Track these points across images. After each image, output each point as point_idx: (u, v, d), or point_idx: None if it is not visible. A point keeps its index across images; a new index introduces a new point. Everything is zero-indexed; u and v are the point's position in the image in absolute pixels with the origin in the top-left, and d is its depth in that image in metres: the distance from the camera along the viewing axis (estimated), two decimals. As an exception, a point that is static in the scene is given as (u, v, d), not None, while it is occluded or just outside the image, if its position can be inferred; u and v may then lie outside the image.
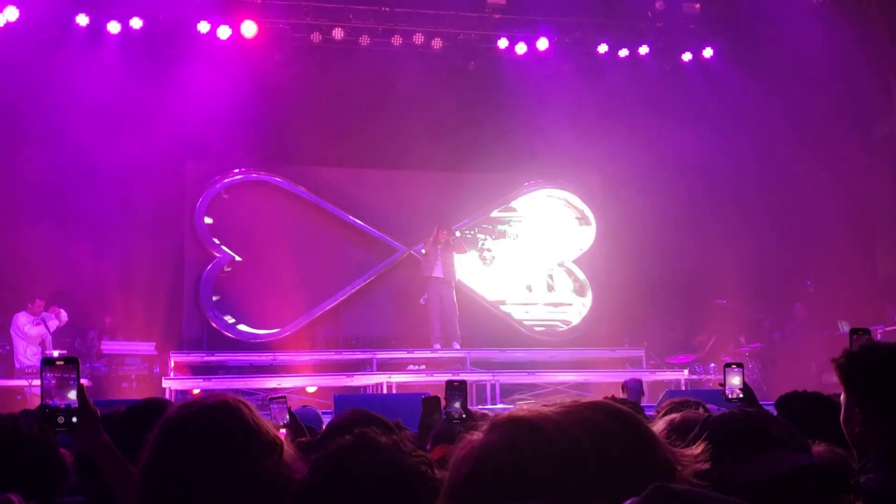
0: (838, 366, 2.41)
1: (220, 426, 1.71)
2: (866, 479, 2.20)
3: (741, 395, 3.61)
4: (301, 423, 3.97)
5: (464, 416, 3.44)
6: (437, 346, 12.06)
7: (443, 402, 4.01)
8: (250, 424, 1.73)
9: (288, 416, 3.83)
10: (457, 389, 3.51)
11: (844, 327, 12.89)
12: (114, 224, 11.84)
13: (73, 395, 2.25)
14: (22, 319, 10.98)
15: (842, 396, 2.45)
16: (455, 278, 12.47)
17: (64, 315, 11.16)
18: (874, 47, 12.67)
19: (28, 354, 10.79)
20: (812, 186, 13.06)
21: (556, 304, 14.07)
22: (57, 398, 2.25)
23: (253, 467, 1.69)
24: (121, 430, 2.49)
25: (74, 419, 2.24)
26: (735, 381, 3.66)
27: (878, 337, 11.94)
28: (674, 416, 2.37)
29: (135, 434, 2.01)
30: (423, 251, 12.54)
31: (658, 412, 3.38)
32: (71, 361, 2.28)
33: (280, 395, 4.08)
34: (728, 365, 3.73)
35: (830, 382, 11.64)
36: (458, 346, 12.11)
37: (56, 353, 9.95)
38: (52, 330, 11.03)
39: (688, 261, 12.92)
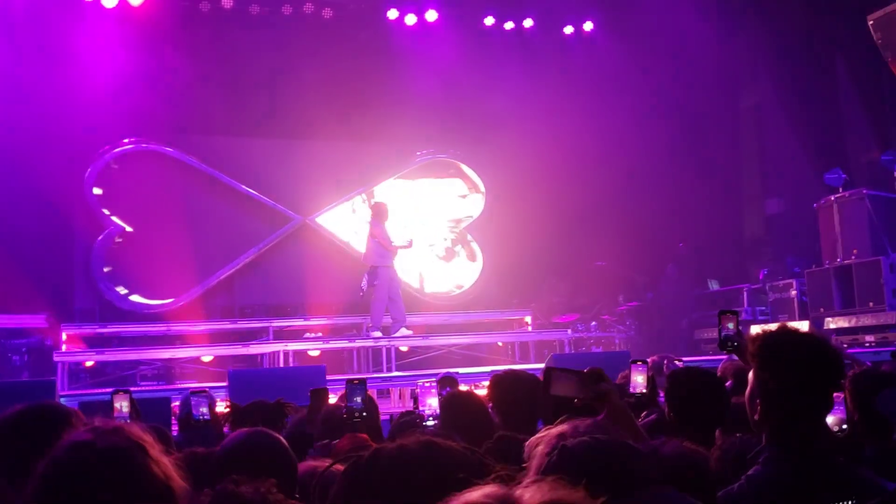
0: (757, 342, 2.39)
1: (106, 475, 1.64)
2: (753, 470, 2.33)
3: (644, 391, 3.56)
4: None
5: (364, 413, 3.56)
6: (377, 333, 11.41)
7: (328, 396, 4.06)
8: (140, 474, 1.67)
9: (207, 411, 3.93)
10: (357, 386, 3.63)
11: (714, 286, 13.83)
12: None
13: None
14: None
15: (750, 374, 2.44)
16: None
17: None
18: (741, 23, 13.41)
19: None
20: (684, 154, 13.83)
21: (447, 269, 14.46)
22: None
23: None
24: (4, 442, 2.26)
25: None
26: (639, 378, 3.55)
27: (745, 294, 12.88)
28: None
29: (22, 447, 2.01)
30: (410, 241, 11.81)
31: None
32: None
33: (202, 389, 4.12)
34: (634, 361, 3.63)
35: (701, 339, 12.55)
36: (410, 333, 11.65)
37: None
38: None
39: (570, 225, 13.36)
